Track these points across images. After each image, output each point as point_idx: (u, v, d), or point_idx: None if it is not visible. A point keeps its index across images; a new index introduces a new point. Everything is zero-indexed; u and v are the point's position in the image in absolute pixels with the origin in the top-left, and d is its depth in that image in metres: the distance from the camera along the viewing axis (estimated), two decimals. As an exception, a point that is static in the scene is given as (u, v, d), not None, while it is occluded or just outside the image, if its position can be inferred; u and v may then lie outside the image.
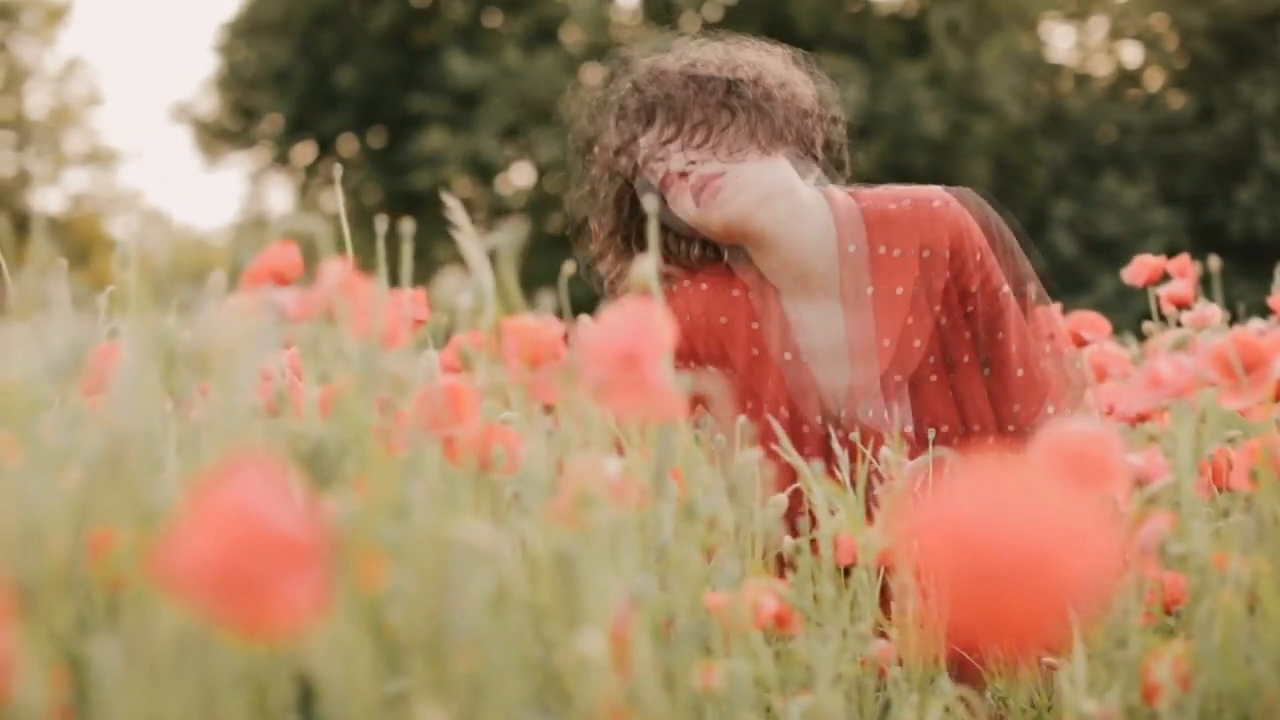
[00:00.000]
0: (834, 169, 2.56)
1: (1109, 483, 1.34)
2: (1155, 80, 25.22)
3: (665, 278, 2.54)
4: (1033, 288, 2.53)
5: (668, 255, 2.53)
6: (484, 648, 1.02)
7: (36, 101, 28.51)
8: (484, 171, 22.22)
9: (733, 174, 2.39)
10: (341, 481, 1.17)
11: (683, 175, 2.41)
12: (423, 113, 21.57)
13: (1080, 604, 0.71)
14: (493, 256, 1.48)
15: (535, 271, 22.17)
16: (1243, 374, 1.62)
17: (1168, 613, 1.64)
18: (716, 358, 2.48)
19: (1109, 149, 22.69)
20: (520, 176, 23.60)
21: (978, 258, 2.46)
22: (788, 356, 2.45)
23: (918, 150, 20.77)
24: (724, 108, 2.42)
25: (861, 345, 2.44)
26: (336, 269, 1.31)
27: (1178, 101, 23.91)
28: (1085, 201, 21.52)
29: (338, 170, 2.21)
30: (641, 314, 1.20)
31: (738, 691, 1.34)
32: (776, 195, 2.41)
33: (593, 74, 22.40)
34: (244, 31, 23.47)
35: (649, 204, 2.38)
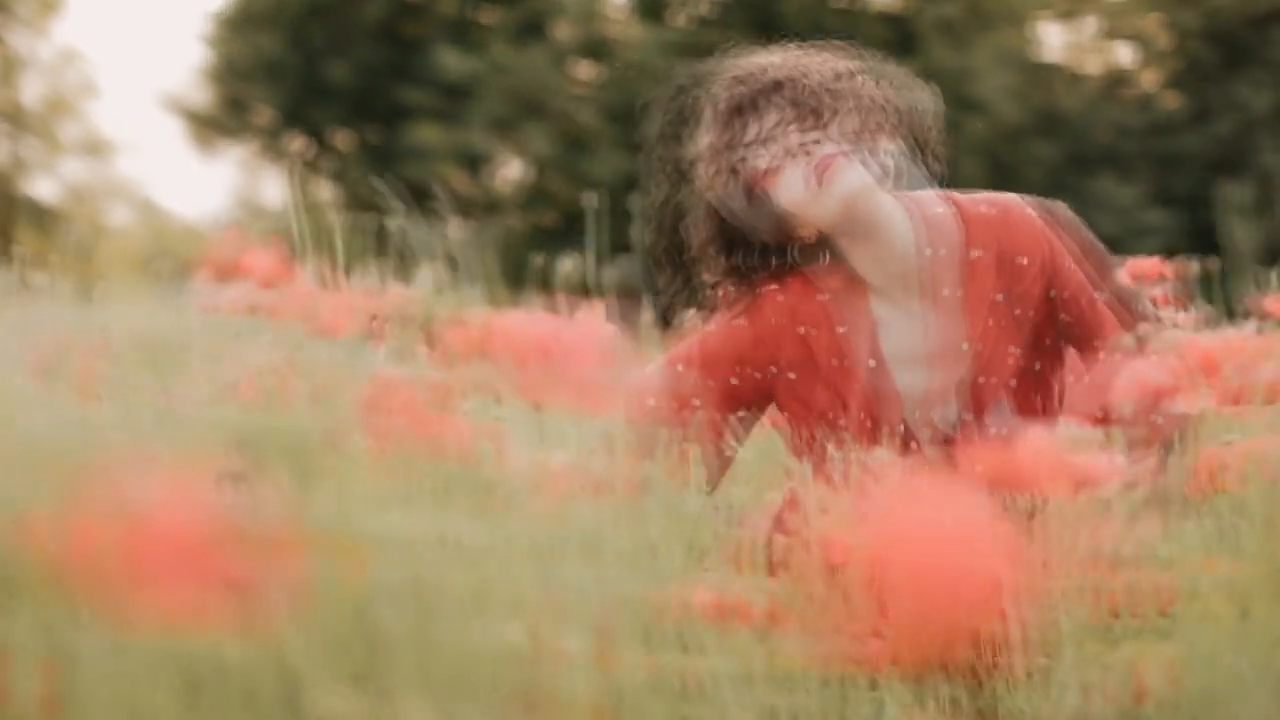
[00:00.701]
0: (930, 175, 2.53)
1: (1055, 486, 1.34)
2: (1149, 80, 25.32)
3: (748, 288, 2.51)
4: (1132, 297, 2.51)
5: (747, 267, 2.50)
6: (404, 641, 0.99)
7: (31, 91, 28.63)
8: (476, 165, 22.30)
9: (855, 155, 2.37)
10: (277, 472, 1.14)
11: (792, 157, 2.37)
12: (414, 106, 21.62)
13: (1000, 612, 0.68)
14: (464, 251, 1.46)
15: (529, 266, 22.25)
16: (1194, 378, 1.62)
17: (1115, 615, 1.62)
18: (802, 365, 2.44)
19: (1103, 149, 22.79)
20: (513, 171, 23.69)
21: (1065, 266, 2.45)
22: (871, 363, 2.42)
23: (910, 147, 20.84)
24: (833, 95, 2.40)
25: (941, 349, 2.43)
26: (265, 263, 1.29)
27: (1172, 102, 24.03)
28: (1079, 201, 21.39)
29: (292, 164, 2.18)
30: (578, 314, 1.18)
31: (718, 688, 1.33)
32: (884, 183, 2.41)
33: (584, 69, 22.49)
34: (235, 23, 23.52)
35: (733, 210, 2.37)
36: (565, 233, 22.28)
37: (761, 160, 2.38)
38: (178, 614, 0.79)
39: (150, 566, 0.75)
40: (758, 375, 2.46)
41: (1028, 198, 2.52)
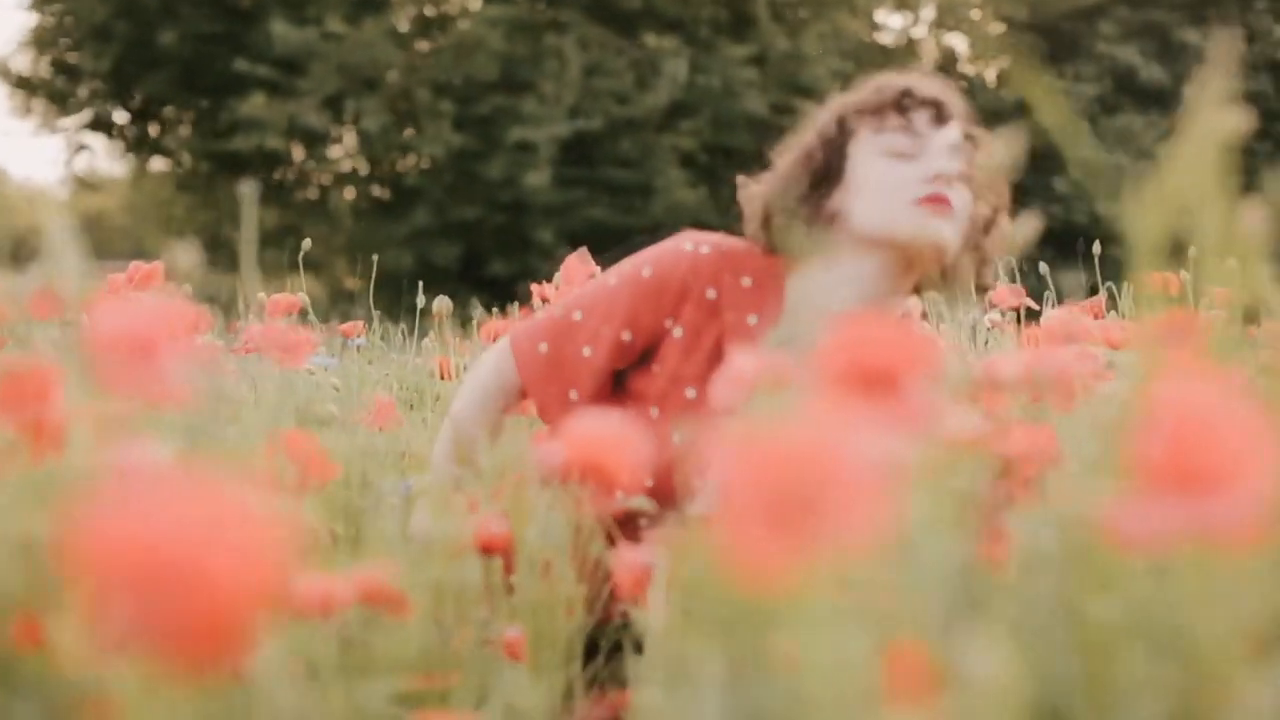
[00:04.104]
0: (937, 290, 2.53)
1: (617, 480, 1.37)
2: (979, 69, 25.59)
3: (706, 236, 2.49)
4: None
5: (782, 216, 2.45)
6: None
7: None
8: (311, 139, 21.98)
9: (963, 218, 2.38)
10: None
11: (933, 168, 2.35)
12: (245, 77, 21.27)
13: (246, 614, 0.71)
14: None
15: (362, 240, 22.10)
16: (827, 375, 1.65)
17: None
18: (694, 329, 2.41)
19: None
20: (347, 146, 23.34)
21: None
22: None
23: (740, 129, 20.91)
24: (984, 180, 2.39)
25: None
26: None
27: (1001, 91, 24.29)
28: (906, 187, 21.71)
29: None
30: (154, 302, 1.19)
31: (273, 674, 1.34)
32: (935, 278, 2.41)
33: (419, 44, 22.28)
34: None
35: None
36: (396, 206, 22.10)
37: (899, 144, 2.38)
38: None
39: None
40: (651, 331, 2.44)
41: None
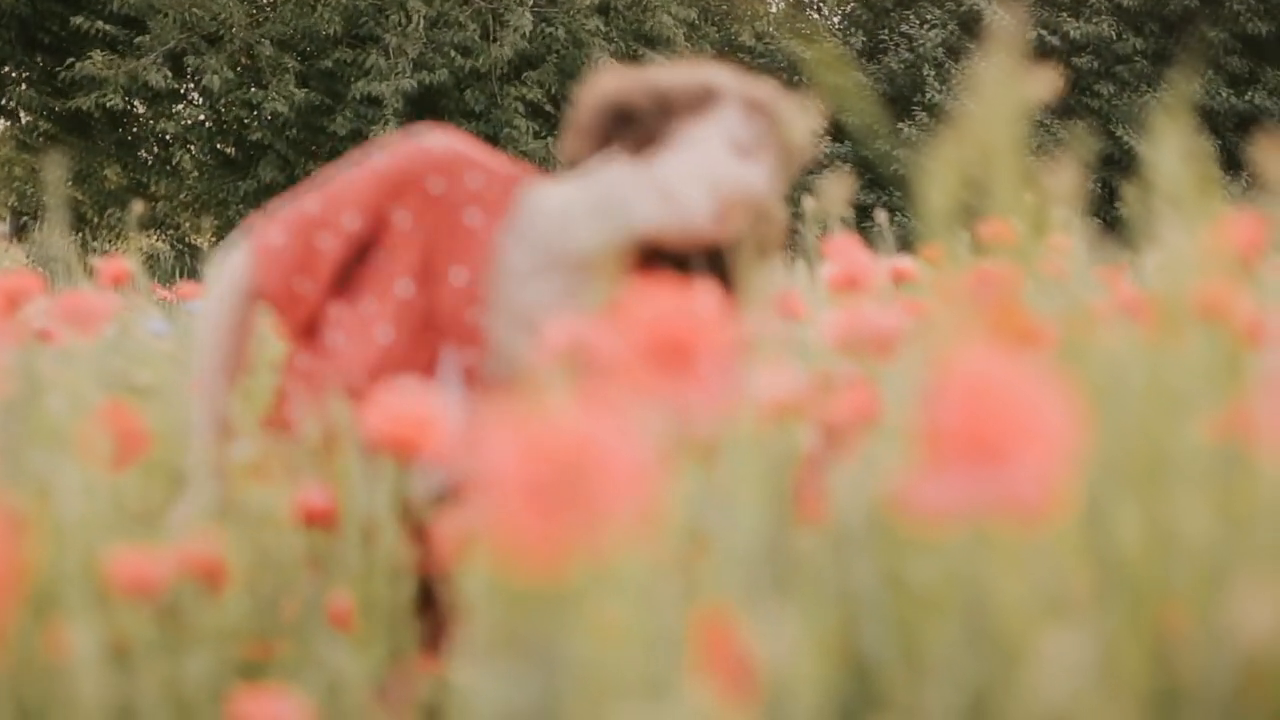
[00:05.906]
0: None
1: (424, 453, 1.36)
2: (828, 14, 25.75)
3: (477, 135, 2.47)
4: None
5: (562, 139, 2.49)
6: None
7: None
8: (154, 96, 21.63)
9: (726, 235, 2.37)
10: None
11: (756, 172, 2.37)
12: (85, 33, 20.87)
13: None
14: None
15: (210, 196, 21.87)
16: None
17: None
18: (417, 220, 2.36)
19: (780, 84, 23.08)
20: (192, 102, 23.04)
21: None
22: (465, 274, 2.36)
23: (587, 79, 20.86)
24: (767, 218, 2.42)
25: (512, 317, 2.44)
26: None
27: (849, 37, 24.45)
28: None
29: None
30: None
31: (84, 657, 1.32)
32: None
33: (263, 1, 22.01)
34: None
35: None
36: (242, 162, 21.89)
37: (745, 144, 2.38)
38: None
39: None
40: (378, 218, 2.38)
41: None
